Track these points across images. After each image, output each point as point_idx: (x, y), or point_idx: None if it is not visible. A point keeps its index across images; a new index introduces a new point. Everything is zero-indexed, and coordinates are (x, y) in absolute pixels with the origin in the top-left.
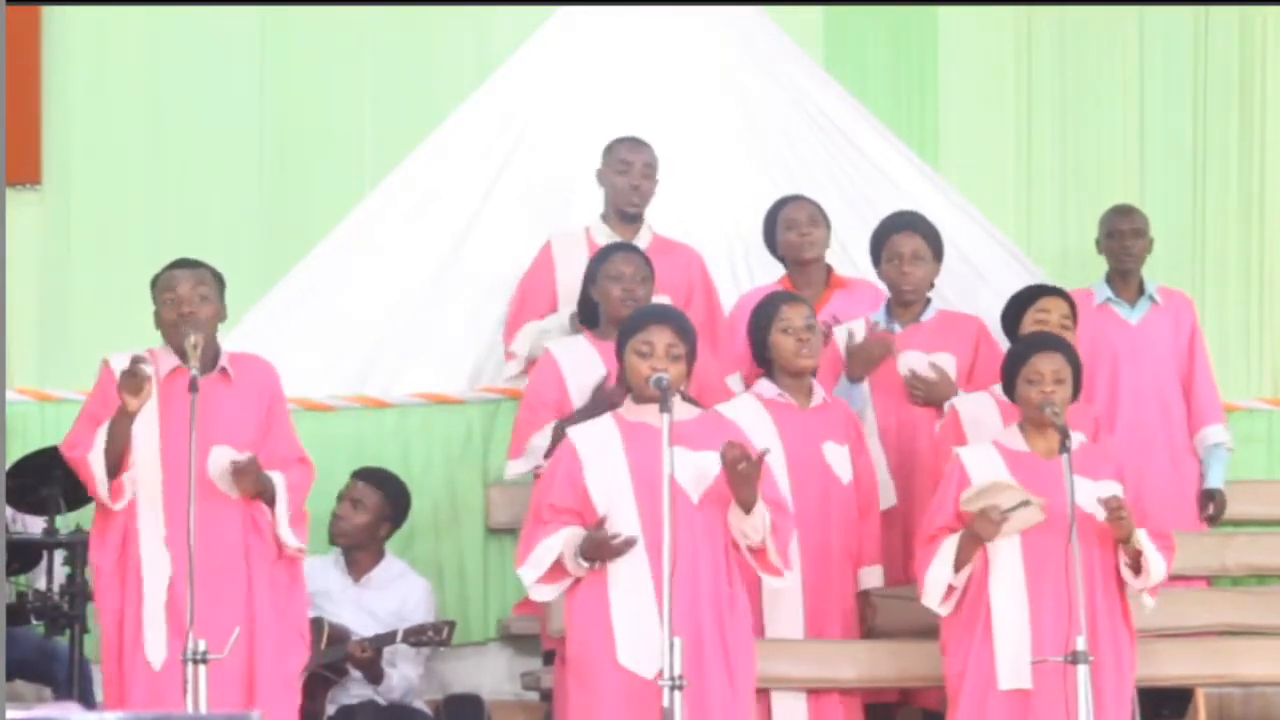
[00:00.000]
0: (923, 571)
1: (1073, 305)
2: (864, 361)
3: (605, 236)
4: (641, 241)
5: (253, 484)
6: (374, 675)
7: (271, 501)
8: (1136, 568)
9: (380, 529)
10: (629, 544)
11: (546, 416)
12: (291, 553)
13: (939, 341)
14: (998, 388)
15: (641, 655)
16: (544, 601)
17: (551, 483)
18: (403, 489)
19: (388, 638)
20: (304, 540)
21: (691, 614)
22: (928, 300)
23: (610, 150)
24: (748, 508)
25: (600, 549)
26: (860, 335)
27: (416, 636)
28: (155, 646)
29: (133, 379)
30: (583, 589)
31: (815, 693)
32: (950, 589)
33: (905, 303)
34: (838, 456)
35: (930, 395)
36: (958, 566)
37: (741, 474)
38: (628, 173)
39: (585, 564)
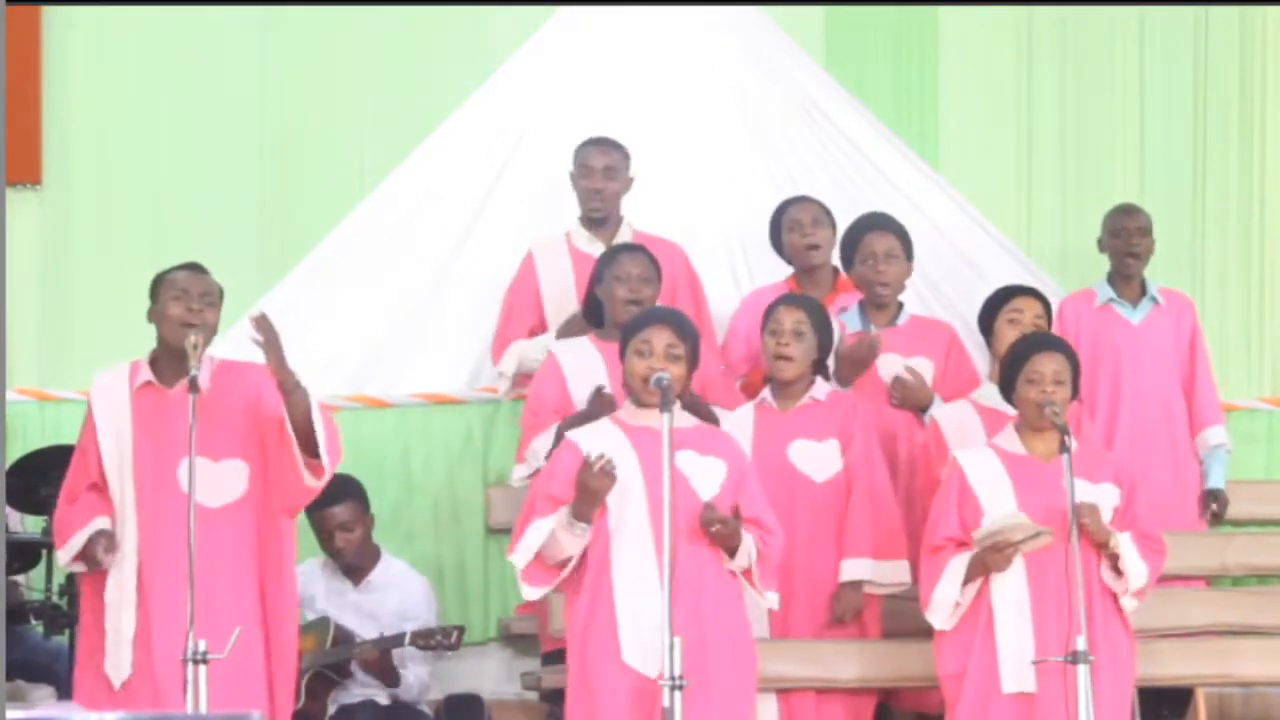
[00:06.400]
0: (929, 589)
1: (1047, 306)
2: (853, 365)
3: (585, 240)
4: (621, 240)
5: (276, 352)
6: (390, 679)
7: (295, 412)
8: (1117, 570)
9: (369, 531)
10: (610, 468)
11: (548, 419)
12: (311, 485)
13: (914, 346)
14: (977, 394)
15: (646, 654)
16: (541, 601)
17: (553, 476)
18: (353, 482)
19: (395, 640)
20: (329, 464)
21: (696, 614)
22: (900, 304)
23: (575, 154)
24: (732, 555)
25: (586, 486)
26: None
27: (425, 640)
28: (116, 665)
29: (93, 562)
30: (587, 588)
31: (820, 692)
32: (957, 606)
33: (880, 304)
34: (808, 456)
35: (907, 399)
36: (964, 584)
37: (718, 535)
38: (589, 177)
39: (580, 524)
